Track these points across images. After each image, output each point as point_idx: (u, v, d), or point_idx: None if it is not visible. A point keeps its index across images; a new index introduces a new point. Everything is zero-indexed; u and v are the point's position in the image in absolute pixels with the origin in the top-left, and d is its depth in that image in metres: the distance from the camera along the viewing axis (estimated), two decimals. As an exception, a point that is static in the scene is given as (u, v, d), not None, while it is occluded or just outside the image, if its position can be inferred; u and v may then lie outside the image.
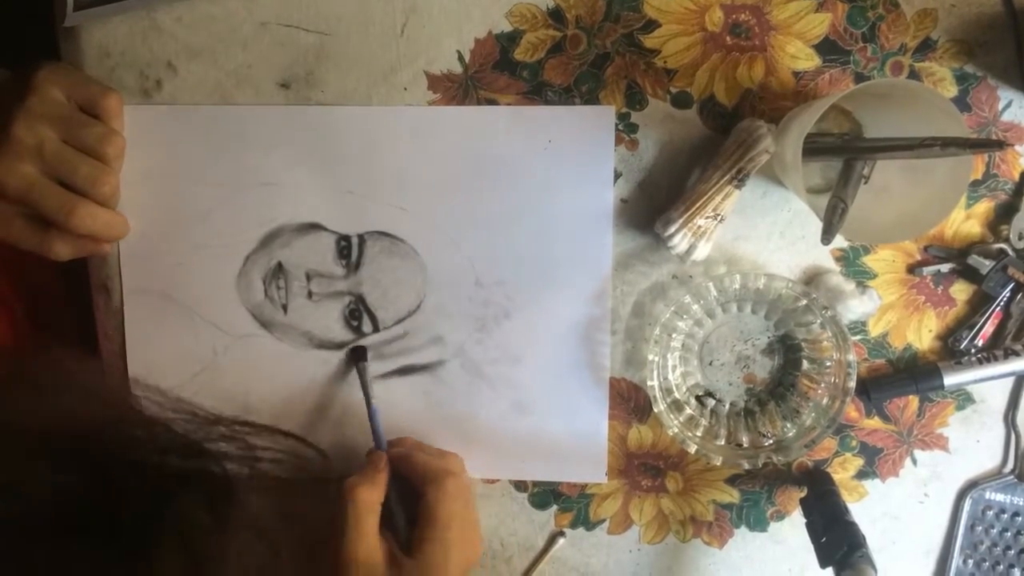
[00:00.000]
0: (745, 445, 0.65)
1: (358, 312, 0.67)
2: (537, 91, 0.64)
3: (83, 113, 0.60)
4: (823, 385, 0.64)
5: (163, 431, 0.36)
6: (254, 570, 0.33)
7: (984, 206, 0.65)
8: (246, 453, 0.37)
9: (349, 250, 0.66)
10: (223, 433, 0.37)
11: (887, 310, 0.66)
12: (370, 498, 0.61)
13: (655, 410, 0.64)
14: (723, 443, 0.65)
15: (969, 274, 0.65)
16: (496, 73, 0.64)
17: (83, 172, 0.59)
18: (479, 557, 0.62)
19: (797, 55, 0.63)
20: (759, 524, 0.69)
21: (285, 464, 0.37)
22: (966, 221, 0.65)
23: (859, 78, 0.63)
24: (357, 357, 0.66)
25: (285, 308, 0.67)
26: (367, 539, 0.60)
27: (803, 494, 0.67)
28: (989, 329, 0.65)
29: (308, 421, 0.68)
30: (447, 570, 0.60)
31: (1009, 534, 0.68)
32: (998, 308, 0.65)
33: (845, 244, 0.65)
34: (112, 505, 0.29)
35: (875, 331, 0.66)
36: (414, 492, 0.62)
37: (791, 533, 0.69)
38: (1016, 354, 0.64)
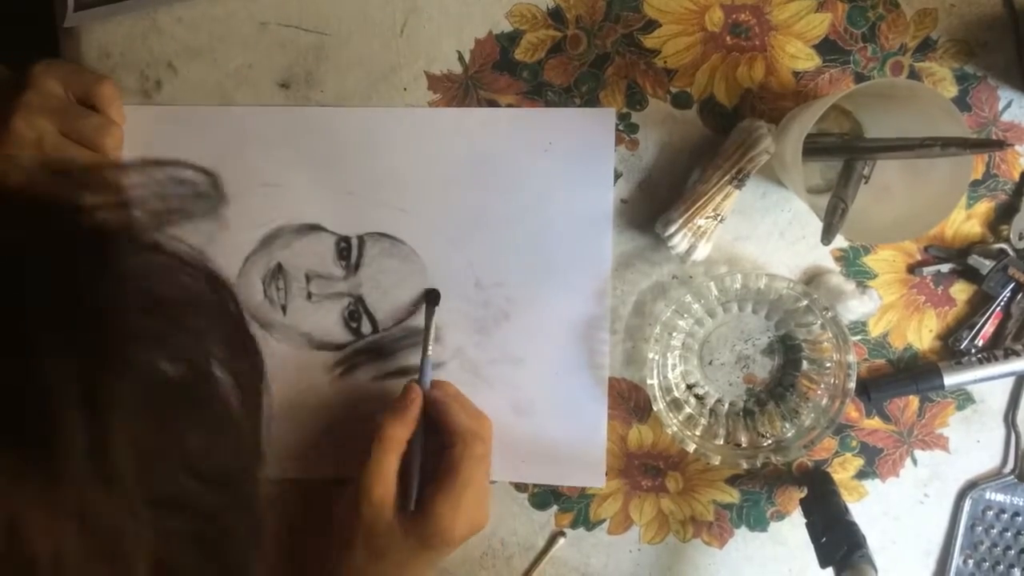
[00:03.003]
0: (744, 445, 0.65)
1: (357, 313, 0.67)
2: (537, 91, 0.64)
3: (80, 105, 0.61)
4: (823, 385, 0.64)
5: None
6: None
7: (984, 206, 0.64)
8: (116, 199, 0.32)
9: (349, 251, 0.66)
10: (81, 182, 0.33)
11: (887, 310, 0.66)
12: (397, 435, 0.60)
13: (654, 409, 0.64)
14: (722, 443, 0.65)
15: (969, 274, 0.65)
16: (496, 73, 0.64)
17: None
18: (483, 527, 0.61)
19: (797, 55, 0.63)
20: (759, 524, 0.69)
21: (169, 199, 0.32)
22: (966, 221, 0.65)
23: (859, 78, 0.63)
24: (430, 300, 0.65)
25: (284, 309, 0.67)
26: (386, 477, 0.59)
27: (803, 494, 0.67)
28: (989, 329, 0.65)
29: (308, 422, 0.68)
30: (454, 531, 0.59)
31: (1009, 534, 0.68)
32: (998, 308, 0.65)
33: (845, 244, 0.65)
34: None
35: (875, 331, 0.66)
36: (438, 444, 0.61)
37: (791, 533, 0.69)
38: (1016, 354, 0.64)
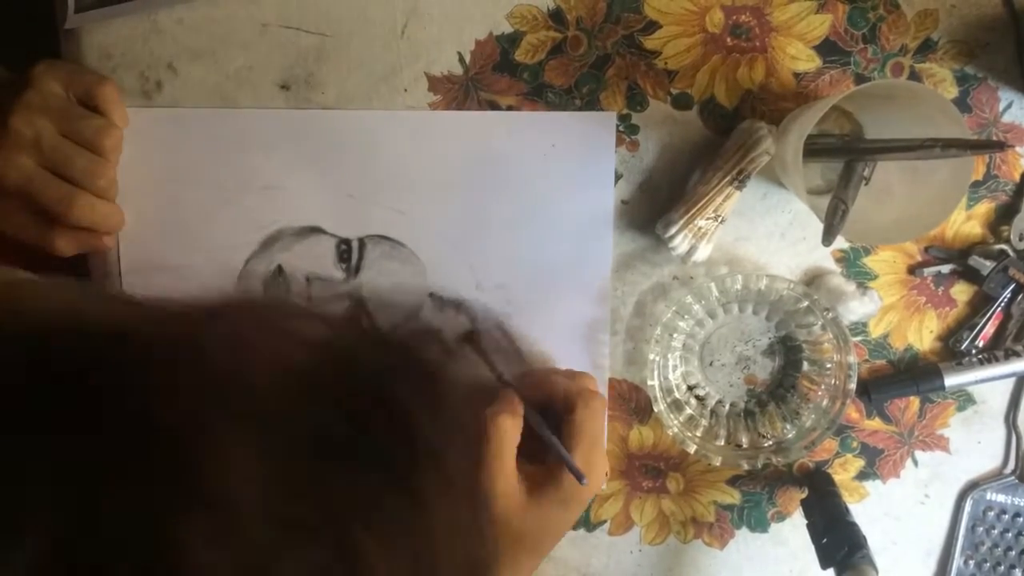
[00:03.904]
0: (745, 446, 0.65)
1: (357, 316, 0.67)
2: (538, 92, 0.64)
3: (80, 106, 0.61)
4: (823, 386, 0.64)
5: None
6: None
7: (985, 207, 0.64)
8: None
9: (349, 254, 0.66)
10: None
11: (888, 311, 0.66)
12: (511, 427, 0.59)
13: (655, 410, 0.64)
14: (723, 444, 0.65)
15: (970, 275, 0.65)
16: (497, 74, 0.64)
17: (80, 165, 0.59)
18: (607, 477, 0.62)
19: (798, 56, 0.63)
20: (760, 525, 0.69)
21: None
22: (967, 222, 0.65)
23: (860, 79, 0.63)
24: (470, 339, 0.65)
25: (285, 311, 0.67)
26: (507, 470, 0.58)
27: (804, 495, 0.67)
28: (990, 330, 0.65)
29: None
30: (594, 486, 0.59)
31: (1010, 535, 0.68)
32: (999, 309, 0.65)
33: (846, 245, 0.65)
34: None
35: (876, 332, 0.66)
36: (552, 417, 0.61)
37: (792, 534, 0.69)
38: (1017, 355, 0.64)
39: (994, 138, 0.63)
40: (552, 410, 0.61)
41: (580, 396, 0.60)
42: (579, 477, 0.58)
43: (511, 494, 0.58)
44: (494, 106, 0.64)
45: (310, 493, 0.26)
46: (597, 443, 0.60)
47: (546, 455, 0.60)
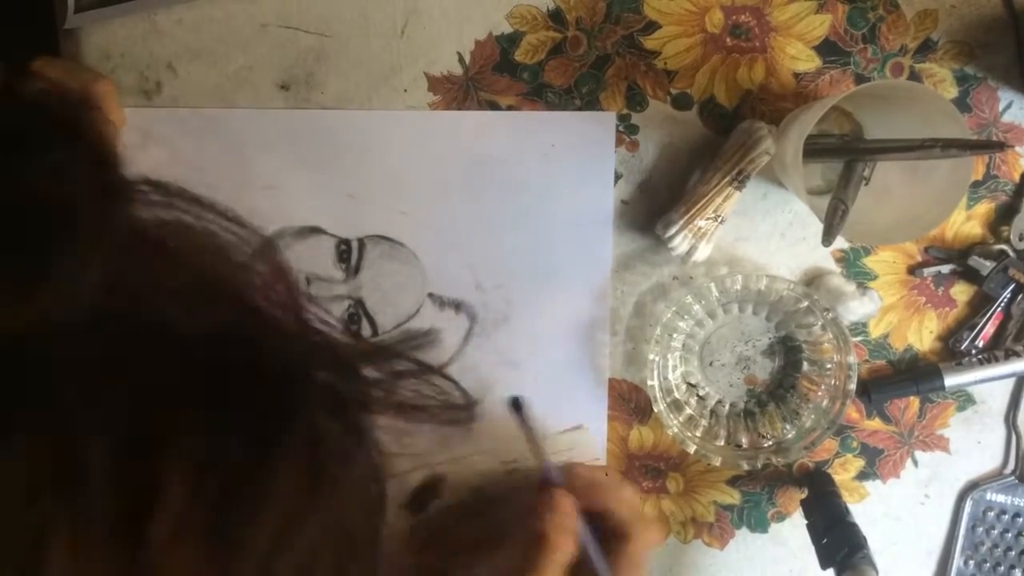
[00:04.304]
0: (745, 446, 0.65)
1: (357, 316, 0.67)
2: (537, 93, 0.64)
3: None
4: (823, 387, 0.64)
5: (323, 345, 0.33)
6: (361, 507, 0.30)
7: (984, 207, 0.64)
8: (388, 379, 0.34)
9: (349, 254, 0.66)
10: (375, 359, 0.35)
11: (888, 311, 0.66)
12: (564, 547, 0.52)
13: (655, 410, 0.64)
14: (722, 444, 0.65)
15: (970, 275, 0.65)
16: (496, 75, 0.64)
17: None
18: None
19: (797, 56, 0.63)
20: (760, 525, 0.69)
21: (425, 400, 0.34)
22: (966, 222, 0.65)
23: (859, 79, 0.63)
24: (517, 407, 0.56)
25: (285, 311, 0.67)
26: None
27: (804, 495, 0.67)
28: (990, 330, 0.65)
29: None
30: None
31: (1010, 535, 0.68)
32: (999, 309, 0.65)
33: (846, 245, 0.65)
34: (253, 377, 0.27)
35: (876, 332, 0.66)
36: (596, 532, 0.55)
37: (792, 534, 0.69)
38: (1017, 355, 0.64)
39: (994, 138, 0.63)
40: (597, 524, 0.55)
41: (640, 525, 0.54)
42: None
43: None
44: (494, 106, 0.64)
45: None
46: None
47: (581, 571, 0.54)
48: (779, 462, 0.66)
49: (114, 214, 0.27)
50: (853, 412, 0.67)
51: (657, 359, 0.64)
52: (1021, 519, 0.67)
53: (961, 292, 0.66)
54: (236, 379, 0.27)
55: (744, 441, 0.65)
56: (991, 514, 0.68)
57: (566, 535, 0.52)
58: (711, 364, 0.67)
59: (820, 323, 0.63)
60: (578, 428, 0.66)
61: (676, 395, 0.65)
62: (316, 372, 0.29)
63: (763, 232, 0.65)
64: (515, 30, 0.63)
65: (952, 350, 0.66)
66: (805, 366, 0.66)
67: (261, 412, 0.26)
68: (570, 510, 0.54)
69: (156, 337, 0.26)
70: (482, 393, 0.64)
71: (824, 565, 0.61)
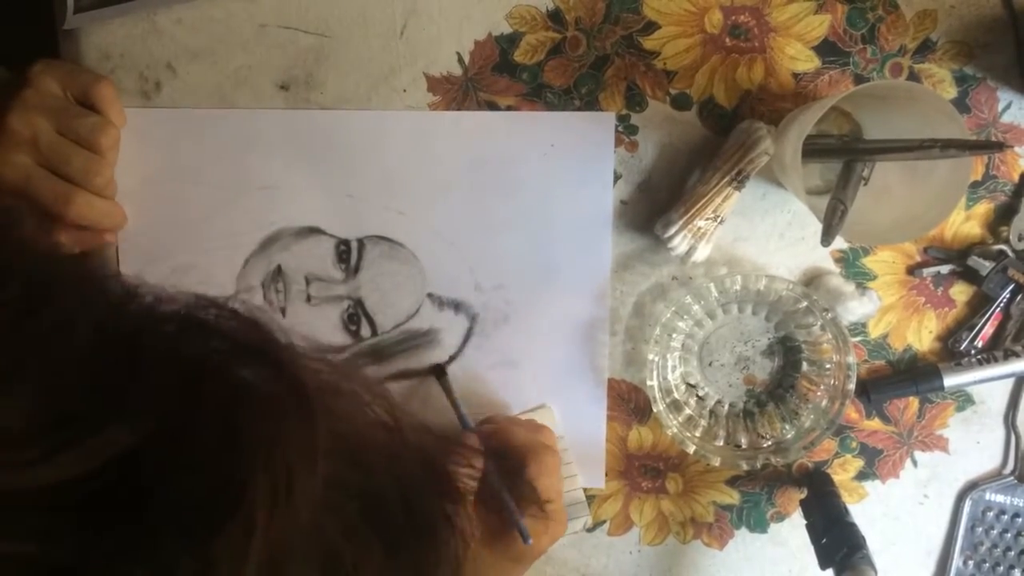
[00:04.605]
0: (744, 446, 0.65)
1: (357, 316, 0.67)
2: (537, 93, 0.64)
3: (78, 105, 0.61)
4: (823, 387, 0.64)
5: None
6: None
7: (984, 207, 0.64)
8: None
9: (348, 254, 0.66)
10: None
11: (887, 311, 0.66)
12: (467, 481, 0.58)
13: (654, 410, 0.64)
14: (722, 444, 0.65)
15: (969, 275, 0.65)
16: (496, 75, 0.64)
17: (77, 163, 0.59)
18: (563, 535, 0.62)
19: (796, 56, 0.63)
20: (759, 525, 0.69)
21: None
22: (966, 222, 0.65)
23: (859, 79, 0.63)
24: (438, 373, 0.66)
25: (283, 311, 0.67)
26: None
27: (803, 495, 0.67)
28: (989, 330, 0.65)
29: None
30: (541, 545, 0.60)
31: (1009, 535, 0.68)
32: (998, 309, 0.65)
33: (845, 245, 0.65)
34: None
35: (875, 332, 0.66)
36: (511, 468, 0.61)
37: (791, 534, 0.69)
38: (1016, 355, 0.64)
39: (993, 138, 0.63)
40: (509, 461, 0.61)
41: (533, 452, 0.60)
42: (525, 538, 0.58)
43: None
44: (493, 106, 0.64)
45: None
46: (553, 499, 0.60)
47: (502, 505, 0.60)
48: (778, 462, 0.66)
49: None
50: (852, 412, 0.67)
51: (656, 359, 0.64)
52: (1020, 519, 0.67)
53: (960, 292, 0.66)
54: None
55: (743, 441, 0.65)
56: (990, 514, 0.68)
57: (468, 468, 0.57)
58: (710, 364, 0.67)
59: (819, 323, 0.63)
60: (541, 407, 0.67)
61: (675, 395, 0.65)
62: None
63: (762, 232, 0.65)
64: (514, 30, 0.63)
65: (951, 350, 0.66)
66: (804, 366, 0.66)
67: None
68: (474, 444, 0.61)
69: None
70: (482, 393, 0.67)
71: (823, 565, 0.61)
